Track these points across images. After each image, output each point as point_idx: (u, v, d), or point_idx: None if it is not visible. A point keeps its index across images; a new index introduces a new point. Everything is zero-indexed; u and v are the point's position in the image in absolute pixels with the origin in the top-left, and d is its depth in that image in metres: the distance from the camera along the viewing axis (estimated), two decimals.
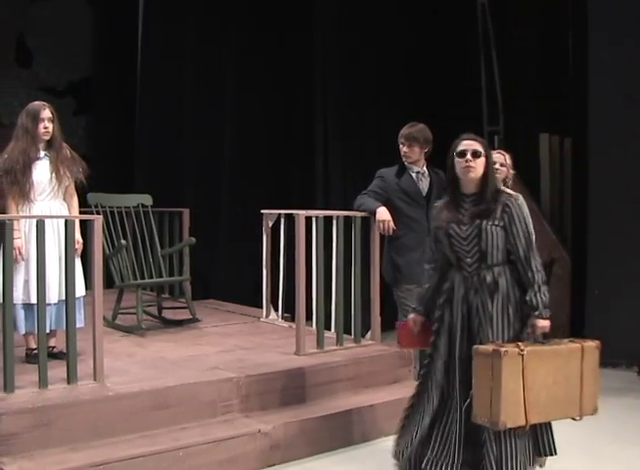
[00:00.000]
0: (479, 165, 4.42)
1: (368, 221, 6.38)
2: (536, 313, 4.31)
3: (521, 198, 5.89)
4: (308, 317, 6.34)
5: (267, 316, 7.72)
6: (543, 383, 4.18)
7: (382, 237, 6.30)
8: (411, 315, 4.76)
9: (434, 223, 4.61)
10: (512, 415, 4.10)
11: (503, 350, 4.05)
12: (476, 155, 4.42)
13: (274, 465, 5.06)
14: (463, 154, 4.42)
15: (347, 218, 6.44)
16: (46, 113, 5.60)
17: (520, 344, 4.17)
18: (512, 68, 9.71)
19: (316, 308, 6.35)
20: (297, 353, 6.10)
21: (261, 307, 7.79)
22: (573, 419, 4.39)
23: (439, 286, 4.58)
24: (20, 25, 10.29)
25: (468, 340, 4.40)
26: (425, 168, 6.39)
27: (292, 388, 5.57)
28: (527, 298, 4.33)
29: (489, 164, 4.49)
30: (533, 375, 4.14)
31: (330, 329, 6.49)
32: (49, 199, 5.60)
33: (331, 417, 5.40)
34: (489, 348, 4.14)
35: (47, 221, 5.11)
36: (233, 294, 9.08)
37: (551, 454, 4.52)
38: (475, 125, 9.79)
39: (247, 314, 8.11)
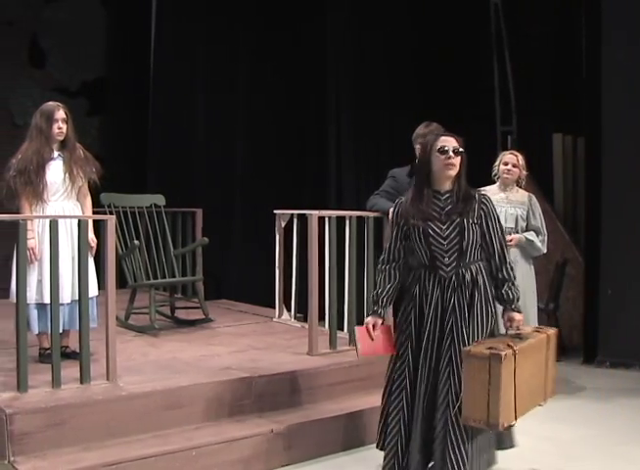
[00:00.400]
0: (458, 163, 4.43)
1: (381, 222, 6.38)
2: (513, 307, 4.38)
3: (534, 198, 5.94)
4: (321, 317, 6.33)
5: (280, 316, 7.73)
6: (525, 377, 4.22)
7: None
8: (369, 318, 4.56)
9: (402, 220, 4.51)
10: (507, 415, 4.12)
11: (503, 353, 4.02)
12: (456, 152, 4.43)
13: (287, 465, 5.06)
14: (445, 151, 4.40)
15: (360, 219, 6.44)
16: (60, 113, 5.61)
17: (510, 344, 4.17)
18: (525, 67, 9.69)
19: (329, 309, 6.34)
20: (310, 354, 6.09)
21: (274, 308, 7.80)
22: (540, 406, 4.45)
23: (407, 288, 4.52)
24: (33, 26, 10.32)
25: (439, 341, 4.39)
26: None
27: (304, 388, 5.57)
28: (504, 292, 4.39)
29: (464, 161, 4.48)
30: (521, 372, 4.17)
31: (343, 329, 6.49)
32: (62, 199, 5.61)
33: (344, 417, 5.39)
34: (484, 351, 4.09)
35: (60, 221, 5.12)
36: (246, 294, 9.09)
37: (511, 447, 4.69)
38: (488, 125, 9.81)
39: (259, 314, 8.11)
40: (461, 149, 4.44)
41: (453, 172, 4.42)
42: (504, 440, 4.68)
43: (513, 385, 4.11)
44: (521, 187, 6.55)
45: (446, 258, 4.39)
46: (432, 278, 4.43)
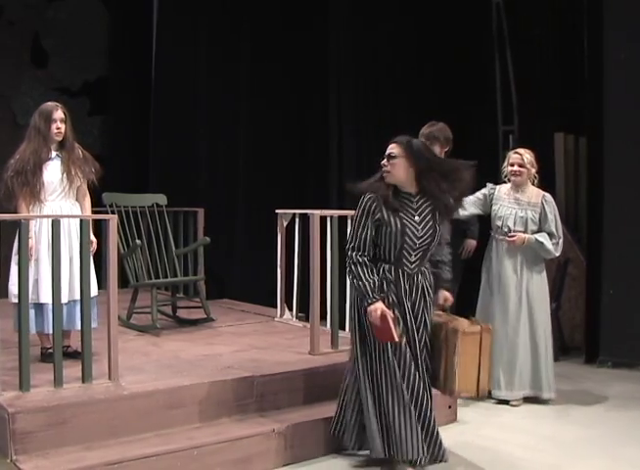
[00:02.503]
0: (394, 168, 4.61)
1: None
2: (449, 286, 4.85)
3: (549, 197, 6.06)
4: (323, 317, 6.34)
5: (282, 316, 7.73)
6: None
7: None
8: (378, 305, 4.52)
9: (378, 214, 4.60)
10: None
11: (490, 326, 4.81)
12: (390, 157, 4.62)
13: (288, 465, 5.06)
14: (384, 157, 4.69)
15: None
16: (59, 113, 5.62)
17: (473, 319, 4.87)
18: (527, 67, 9.67)
19: (331, 308, 6.35)
20: (312, 353, 6.10)
21: (276, 307, 7.80)
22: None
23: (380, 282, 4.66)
24: (36, 26, 10.32)
25: (415, 332, 4.69)
26: None
27: (306, 387, 5.57)
28: (445, 274, 4.86)
29: (417, 163, 4.59)
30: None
31: (344, 329, 6.48)
32: (59, 199, 5.62)
33: None
34: (476, 326, 4.70)
35: (60, 221, 5.11)
36: (247, 293, 9.08)
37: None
38: (489, 125, 9.79)
39: (261, 314, 8.12)
40: (393, 153, 4.62)
41: (388, 178, 4.65)
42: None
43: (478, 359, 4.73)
44: (534, 184, 6.52)
45: (412, 256, 4.59)
46: (399, 273, 4.61)
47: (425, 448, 4.60)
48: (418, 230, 4.55)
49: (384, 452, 4.66)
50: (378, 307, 4.51)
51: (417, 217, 4.58)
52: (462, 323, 4.67)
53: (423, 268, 4.68)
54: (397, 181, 4.64)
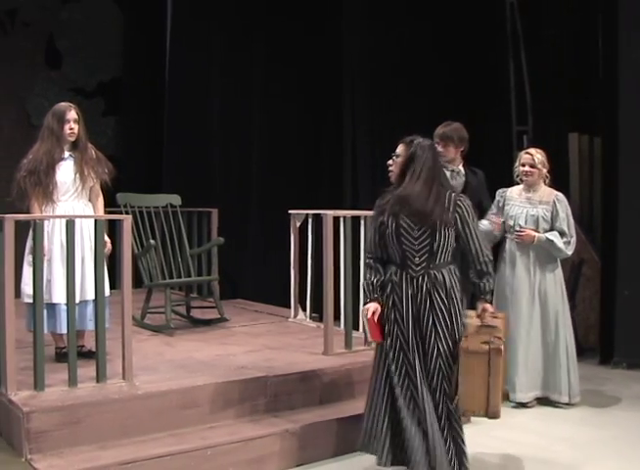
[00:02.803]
0: (395, 167, 4.63)
1: None
2: (487, 298, 4.58)
3: (561, 197, 6.02)
4: (336, 317, 6.33)
5: (295, 316, 7.74)
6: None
7: None
8: (372, 305, 4.58)
9: (378, 218, 4.62)
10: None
11: (502, 348, 4.47)
12: (396, 156, 4.64)
13: (301, 465, 5.07)
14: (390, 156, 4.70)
15: None
16: (72, 114, 5.63)
17: (497, 335, 4.55)
18: (541, 67, 9.64)
19: (344, 308, 6.35)
20: (326, 353, 6.10)
21: (289, 307, 7.81)
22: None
23: (385, 283, 4.61)
24: (50, 27, 10.37)
25: (421, 340, 4.47)
26: (461, 167, 6.42)
27: (320, 388, 5.57)
28: (481, 284, 4.54)
29: (412, 165, 4.54)
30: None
31: (358, 329, 6.48)
32: (72, 199, 5.63)
33: (359, 417, 5.36)
34: (483, 346, 4.47)
35: (75, 222, 5.12)
36: (261, 293, 9.10)
37: None
38: (503, 125, 9.76)
39: (274, 314, 8.12)
40: (397, 153, 4.62)
41: (392, 177, 4.65)
42: None
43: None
44: (546, 184, 6.50)
45: (417, 258, 4.48)
46: (402, 277, 4.52)
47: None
48: (414, 231, 4.47)
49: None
50: (369, 307, 4.57)
51: (413, 217, 4.53)
52: (473, 341, 4.58)
53: (433, 272, 4.47)
54: (395, 179, 4.64)
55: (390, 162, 4.68)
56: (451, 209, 4.45)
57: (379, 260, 4.63)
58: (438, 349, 4.42)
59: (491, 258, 4.59)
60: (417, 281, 4.47)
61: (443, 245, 4.45)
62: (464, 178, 6.41)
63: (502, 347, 4.42)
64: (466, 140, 6.37)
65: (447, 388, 4.42)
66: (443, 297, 4.45)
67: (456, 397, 4.46)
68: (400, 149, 4.64)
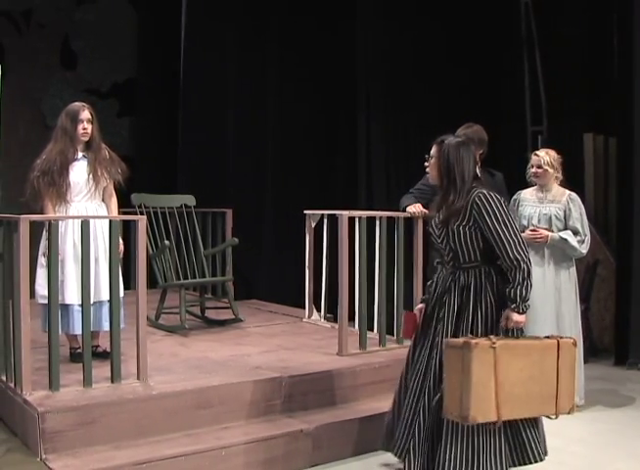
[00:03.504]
0: (430, 168, 4.62)
1: (411, 222, 6.38)
2: (512, 306, 4.28)
3: (575, 196, 5.98)
4: (351, 318, 6.34)
5: (310, 317, 7.73)
6: (517, 378, 4.11)
7: (426, 238, 6.26)
8: (420, 305, 4.75)
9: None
10: (482, 410, 4.03)
11: (474, 342, 4.02)
12: (430, 158, 4.61)
13: (316, 465, 5.06)
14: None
15: (390, 219, 6.44)
16: (85, 114, 5.63)
17: (492, 337, 4.15)
18: (555, 67, 9.62)
19: (359, 309, 6.34)
20: (340, 354, 6.10)
21: (304, 308, 7.80)
22: (549, 418, 4.33)
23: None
24: (65, 28, 10.41)
25: (432, 338, 4.49)
26: (477, 170, 6.39)
27: (334, 388, 5.57)
28: (507, 291, 4.29)
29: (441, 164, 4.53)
30: (506, 369, 4.07)
31: (372, 330, 6.48)
32: (86, 200, 5.63)
33: (373, 418, 5.37)
34: (460, 340, 4.12)
35: (89, 222, 5.13)
36: (275, 294, 9.11)
37: (535, 461, 4.47)
38: (518, 125, 9.75)
39: (289, 315, 8.13)
40: (431, 154, 4.59)
41: (431, 179, 4.69)
42: (528, 450, 4.56)
43: (493, 379, 4.03)
44: (559, 184, 6.47)
45: (446, 257, 4.52)
46: (439, 273, 4.63)
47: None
48: (437, 230, 4.51)
49: None
50: (418, 308, 4.76)
51: (439, 217, 4.54)
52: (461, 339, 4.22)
53: (458, 272, 4.43)
54: (433, 180, 4.63)
55: (427, 164, 4.69)
56: (468, 206, 4.36)
57: (443, 260, 4.63)
58: (438, 350, 4.38)
59: (523, 258, 4.27)
60: (446, 280, 4.49)
61: (460, 244, 4.38)
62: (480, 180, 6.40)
63: (475, 342, 4.13)
64: (485, 143, 6.34)
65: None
66: (464, 299, 4.38)
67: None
68: (434, 150, 4.60)
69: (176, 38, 10.74)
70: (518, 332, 4.36)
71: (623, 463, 5.11)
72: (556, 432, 5.54)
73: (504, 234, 4.29)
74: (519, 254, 4.26)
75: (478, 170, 6.42)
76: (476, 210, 4.35)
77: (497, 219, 4.30)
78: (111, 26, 10.68)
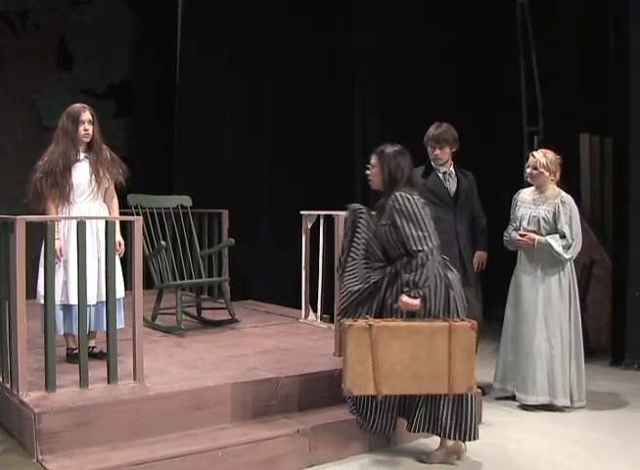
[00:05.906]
0: (372, 175, 5.13)
1: None
2: (405, 289, 4.68)
3: (567, 198, 6.01)
4: None
5: (306, 317, 7.74)
6: (399, 357, 4.61)
7: None
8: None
9: None
10: (359, 384, 4.66)
11: (348, 323, 4.63)
12: (372, 167, 5.12)
13: (313, 466, 5.05)
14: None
15: None
16: (86, 115, 5.63)
17: (369, 318, 4.71)
18: (551, 68, 9.64)
19: None
20: (336, 354, 6.08)
21: (300, 308, 7.81)
22: (445, 396, 4.74)
23: None
24: (61, 29, 10.40)
25: None
26: (452, 169, 6.46)
27: (331, 389, 5.54)
28: (404, 275, 4.72)
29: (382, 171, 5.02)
30: (386, 349, 4.58)
31: None
32: (88, 200, 5.63)
33: None
34: (345, 322, 4.67)
35: (86, 222, 5.14)
36: (272, 294, 9.10)
37: (469, 439, 4.88)
38: (514, 126, 9.76)
39: (286, 315, 8.13)
40: (373, 163, 5.12)
41: (371, 184, 5.16)
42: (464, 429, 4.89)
43: (370, 357, 4.56)
44: (556, 185, 6.45)
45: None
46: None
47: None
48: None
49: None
50: None
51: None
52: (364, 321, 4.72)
53: (393, 271, 4.89)
54: (376, 187, 5.13)
55: (368, 172, 5.14)
56: (387, 207, 4.87)
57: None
58: None
59: (422, 250, 4.68)
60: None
61: (385, 242, 4.90)
62: (456, 180, 6.45)
63: (348, 323, 4.66)
64: (458, 140, 6.42)
65: None
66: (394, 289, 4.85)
67: None
68: (374, 159, 5.10)
69: (172, 39, 10.72)
70: (407, 314, 4.76)
71: (620, 464, 5.11)
72: (552, 433, 5.56)
73: (409, 229, 4.75)
74: (416, 246, 4.71)
75: (451, 168, 6.53)
76: (390, 205, 4.84)
77: (405, 217, 4.78)
78: (107, 27, 10.66)
